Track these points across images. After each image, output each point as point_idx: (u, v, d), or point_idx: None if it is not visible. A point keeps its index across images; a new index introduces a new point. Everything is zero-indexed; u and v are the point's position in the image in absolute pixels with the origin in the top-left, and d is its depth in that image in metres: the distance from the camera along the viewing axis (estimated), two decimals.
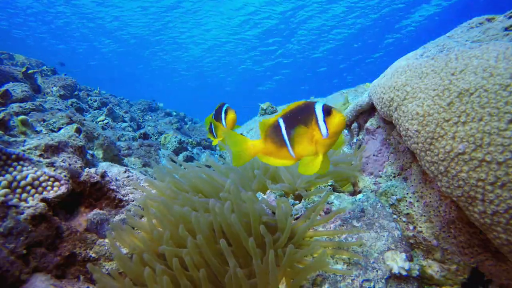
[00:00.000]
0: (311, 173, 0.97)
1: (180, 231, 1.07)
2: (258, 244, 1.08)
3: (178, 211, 1.21)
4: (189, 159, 4.42)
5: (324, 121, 0.95)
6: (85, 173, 1.63)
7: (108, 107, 4.99)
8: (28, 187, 1.39)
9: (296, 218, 1.32)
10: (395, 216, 1.37)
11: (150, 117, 6.98)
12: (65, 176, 1.52)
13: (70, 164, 1.61)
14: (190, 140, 5.56)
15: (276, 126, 1.02)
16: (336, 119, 0.94)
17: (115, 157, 3.09)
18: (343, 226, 1.27)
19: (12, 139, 1.64)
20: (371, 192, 1.52)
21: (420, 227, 1.28)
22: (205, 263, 1.03)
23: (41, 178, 1.43)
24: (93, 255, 1.45)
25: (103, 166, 1.96)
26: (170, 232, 1.13)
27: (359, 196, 1.42)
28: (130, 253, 1.28)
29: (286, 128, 1.00)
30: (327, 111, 0.95)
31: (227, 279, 0.98)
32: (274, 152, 1.04)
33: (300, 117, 0.98)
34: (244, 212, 1.15)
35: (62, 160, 1.61)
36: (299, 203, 1.43)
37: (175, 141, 4.82)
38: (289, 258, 1.01)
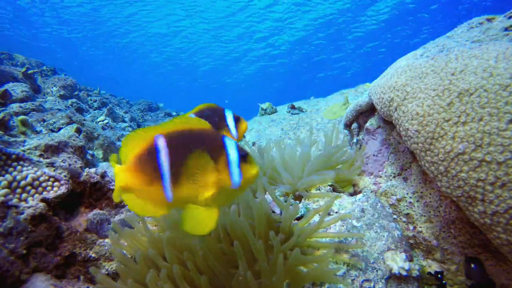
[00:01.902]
0: (203, 232, 0.70)
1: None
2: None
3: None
4: None
5: (238, 166, 0.72)
6: (85, 173, 1.63)
7: (108, 107, 4.99)
8: (28, 187, 1.39)
9: (298, 219, 1.32)
10: (395, 216, 1.37)
11: (150, 117, 6.98)
12: (65, 176, 1.52)
13: (70, 164, 1.61)
14: None
15: (151, 148, 0.71)
16: (254, 170, 0.74)
17: None
18: (343, 226, 1.27)
19: (12, 139, 1.64)
20: (371, 192, 1.52)
21: (420, 227, 1.28)
22: (208, 267, 1.02)
23: (41, 178, 1.43)
24: (93, 255, 1.45)
25: (103, 166, 1.96)
26: (171, 233, 1.12)
27: (359, 196, 1.42)
28: (131, 255, 1.28)
29: (169, 154, 0.70)
30: (244, 156, 0.73)
31: (234, 281, 0.97)
32: (140, 187, 0.72)
33: (199, 146, 0.71)
34: (249, 213, 1.15)
35: (62, 160, 1.62)
36: (299, 203, 1.43)
37: None
38: (295, 262, 1.00)
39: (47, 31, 18.15)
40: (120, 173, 0.73)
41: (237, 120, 1.21)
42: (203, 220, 0.71)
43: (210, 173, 0.70)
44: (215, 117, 1.17)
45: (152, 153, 0.71)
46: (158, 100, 8.56)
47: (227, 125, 1.18)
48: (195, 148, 0.70)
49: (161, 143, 0.71)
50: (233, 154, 0.72)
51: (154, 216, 0.76)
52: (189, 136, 0.73)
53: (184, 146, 0.71)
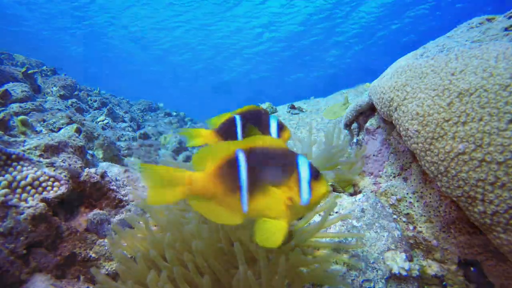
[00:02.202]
0: (272, 245, 0.72)
1: (186, 230, 1.05)
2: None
3: (178, 213, 1.20)
4: (190, 159, 4.43)
5: (309, 184, 0.75)
6: (85, 173, 1.63)
7: (108, 107, 4.99)
8: (28, 187, 1.39)
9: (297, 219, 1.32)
10: (395, 216, 1.37)
11: (150, 117, 6.98)
12: (65, 176, 1.52)
13: (70, 164, 1.61)
14: None
15: (233, 161, 0.76)
16: (324, 189, 0.76)
17: (115, 157, 3.09)
18: (343, 226, 1.27)
19: (12, 139, 1.64)
20: (371, 192, 1.52)
21: (420, 227, 1.28)
22: (208, 267, 1.02)
23: (41, 178, 1.43)
24: (93, 255, 1.45)
25: (103, 166, 1.96)
26: (171, 233, 1.12)
27: (359, 196, 1.42)
28: (131, 255, 1.28)
29: (248, 169, 0.76)
30: (315, 174, 0.76)
31: (235, 281, 0.97)
32: (219, 196, 0.77)
33: (274, 163, 0.76)
34: None
35: (62, 160, 1.61)
36: None
37: (175, 141, 4.82)
38: (296, 262, 1.00)
39: (36, 29, 17.87)
40: (201, 179, 0.78)
41: (280, 128, 1.15)
42: (273, 233, 0.75)
43: (282, 189, 0.75)
44: (258, 122, 1.14)
45: (233, 165, 0.77)
46: (157, 100, 8.56)
47: (270, 133, 1.13)
48: (270, 165, 0.76)
49: (242, 157, 0.77)
50: (304, 173, 0.76)
51: (227, 224, 0.83)
52: (266, 153, 0.78)
53: (261, 162, 0.77)
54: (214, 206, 0.78)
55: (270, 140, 0.80)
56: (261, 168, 0.76)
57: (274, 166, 0.76)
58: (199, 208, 0.79)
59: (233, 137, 1.12)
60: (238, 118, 1.13)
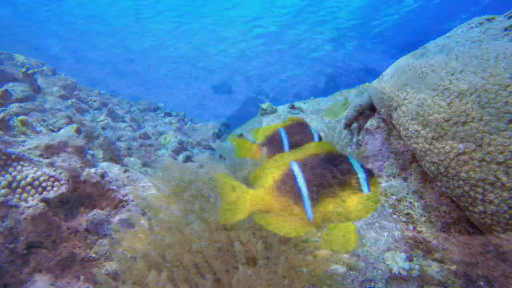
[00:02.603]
0: (350, 249, 0.75)
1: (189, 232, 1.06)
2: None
3: (179, 215, 1.20)
4: (189, 159, 4.43)
5: (367, 182, 0.77)
6: (85, 173, 1.63)
7: (108, 107, 4.99)
8: (28, 187, 1.39)
9: None
10: (395, 216, 1.37)
11: (150, 117, 6.98)
12: (65, 176, 1.52)
13: (70, 164, 1.61)
14: (190, 140, 5.56)
15: (290, 174, 0.79)
16: (377, 184, 0.78)
17: (115, 157, 3.09)
18: None
19: (12, 139, 1.64)
20: None
21: (420, 227, 1.28)
22: (208, 267, 1.02)
23: (41, 178, 1.43)
24: (93, 255, 1.45)
25: (103, 166, 1.96)
26: (172, 233, 1.12)
27: None
28: (131, 255, 1.28)
29: (305, 178, 0.78)
30: (370, 172, 0.78)
31: (235, 282, 0.97)
32: (284, 209, 0.79)
33: (329, 167, 0.77)
34: None
35: (62, 160, 1.61)
36: None
37: (175, 141, 4.82)
38: (296, 262, 1.00)
39: (35, 29, 17.64)
40: (265, 197, 0.79)
41: (320, 140, 1.17)
42: (348, 236, 0.76)
43: (343, 191, 0.77)
44: (303, 135, 1.15)
45: (291, 177, 0.78)
46: (157, 100, 8.55)
47: None
48: (326, 170, 0.77)
49: (296, 168, 0.78)
50: (361, 173, 0.77)
51: (295, 236, 0.83)
52: (320, 159, 0.79)
53: (317, 169, 0.78)
54: (279, 220, 0.80)
55: (320, 146, 0.82)
56: (318, 174, 0.77)
57: (330, 170, 0.77)
58: (266, 223, 0.80)
59: (279, 151, 1.12)
60: (283, 131, 1.14)
